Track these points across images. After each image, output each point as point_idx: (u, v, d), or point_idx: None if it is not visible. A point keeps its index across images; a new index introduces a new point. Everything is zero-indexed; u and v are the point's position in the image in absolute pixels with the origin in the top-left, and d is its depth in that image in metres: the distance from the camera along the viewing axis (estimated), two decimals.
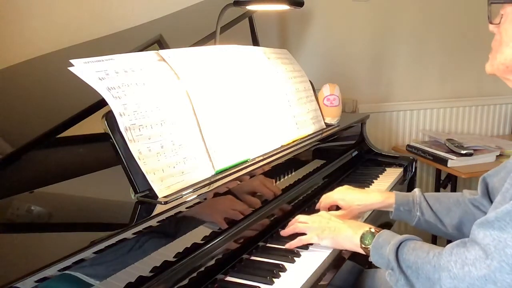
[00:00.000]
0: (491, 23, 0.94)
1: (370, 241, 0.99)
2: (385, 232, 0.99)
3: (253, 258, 1.09)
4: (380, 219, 1.40)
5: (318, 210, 1.27)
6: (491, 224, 0.79)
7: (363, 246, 1.01)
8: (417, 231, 1.22)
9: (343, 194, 1.25)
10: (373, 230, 1.01)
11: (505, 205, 0.79)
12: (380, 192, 1.28)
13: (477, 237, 0.81)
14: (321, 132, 1.58)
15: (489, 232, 0.78)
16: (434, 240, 2.59)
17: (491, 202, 1.10)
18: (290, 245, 1.12)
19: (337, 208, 1.27)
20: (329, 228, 1.10)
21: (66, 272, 0.70)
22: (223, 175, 1.07)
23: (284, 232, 1.17)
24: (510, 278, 0.74)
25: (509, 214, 0.77)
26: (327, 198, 1.27)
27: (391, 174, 1.75)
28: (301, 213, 1.34)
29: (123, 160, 0.91)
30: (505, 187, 0.93)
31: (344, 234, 1.06)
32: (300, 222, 1.15)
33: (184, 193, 0.95)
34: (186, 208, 0.94)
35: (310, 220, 1.14)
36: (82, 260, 0.72)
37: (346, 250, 1.09)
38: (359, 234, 1.02)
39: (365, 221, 1.31)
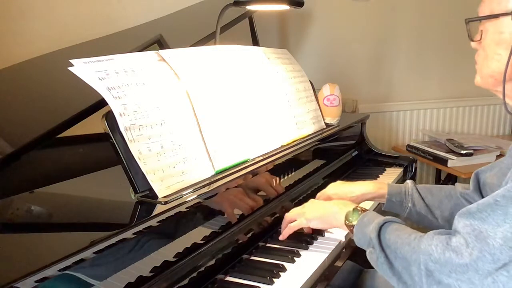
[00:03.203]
0: (472, 40, 0.98)
1: (355, 219, 1.00)
2: (370, 212, 1.00)
3: (253, 258, 1.09)
4: None
5: None
6: (473, 215, 0.80)
7: (347, 222, 1.02)
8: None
9: (336, 189, 1.26)
10: (358, 208, 1.03)
11: (487, 197, 0.81)
12: (373, 182, 1.28)
13: (457, 226, 0.82)
14: (321, 132, 1.58)
15: (469, 221, 0.80)
16: None
17: (482, 197, 1.10)
18: (283, 235, 1.14)
19: None
20: (315, 209, 1.12)
21: (66, 272, 0.70)
22: (223, 175, 1.07)
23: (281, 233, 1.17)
24: (491, 267, 0.76)
25: (491, 206, 0.78)
26: (322, 194, 1.27)
27: (391, 174, 1.75)
28: None
29: (123, 160, 0.91)
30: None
31: (330, 212, 1.08)
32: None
33: (184, 193, 0.95)
34: (186, 208, 0.94)
35: (298, 207, 1.16)
36: (82, 260, 0.72)
37: (333, 227, 1.11)
38: (344, 211, 1.04)
39: None
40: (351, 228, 1.00)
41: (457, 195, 1.17)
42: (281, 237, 1.15)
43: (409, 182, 1.22)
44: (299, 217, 1.13)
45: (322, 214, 1.09)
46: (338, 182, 1.30)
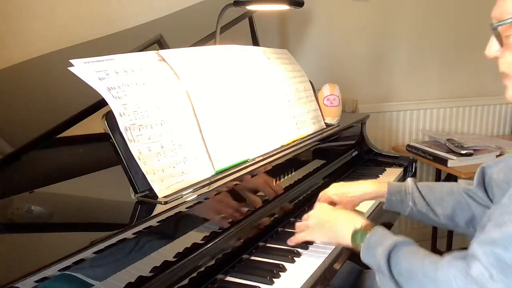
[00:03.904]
0: (502, 46, 0.85)
1: (361, 240, 0.96)
2: (378, 231, 0.94)
3: (253, 258, 1.09)
4: (381, 219, 1.40)
5: None
6: (495, 242, 0.73)
7: (354, 245, 0.98)
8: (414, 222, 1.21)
9: (337, 189, 1.23)
10: (364, 225, 0.99)
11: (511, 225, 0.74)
12: (373, 182, 1.26)
13: (477, 252, 0.75)
14: (321, 132, 1.58)
15: (491, 249, 0.73)
16: (434, 244, 2.59)
17: (486, 192, 1.09)
18: (290, 240, 1.13)
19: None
20: (322, 225, 1.08)
21: (66, 272, 0.70)
22: (223, 175, 1.07)
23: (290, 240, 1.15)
24: None
25: None
26: (323, 194, 1.25)
27: (391, 174, 1.75)
28: (301, 213, 1.34)
29: (123, 160, 0.91)
30: None
31: (337, 231, 1.05)
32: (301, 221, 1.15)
33: (184, 193, 0.95)
34: (186, 208, 0.94)
35: (309, 217, 1.13)
36: (82, 260, 0.72)
37: (342, 245, 1.07)
38: (351, 229, 1.00)
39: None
40: (358, 249, 0.96)
41: (459, 191, 1.15)
42: (289, 241, 1.13)
43: (409, 180, 1.21)
44: (308, 230, 1.11)
45: (329, 235, 1.07)
46: (340, 183, 1.28)
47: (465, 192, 1.14)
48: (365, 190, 1.22)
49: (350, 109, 2.21)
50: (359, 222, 1.01)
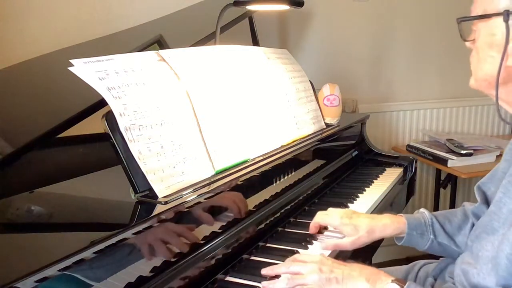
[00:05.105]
0: (465, 40, 0.92)
1: None
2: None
3: (253, 258, 1.09)
4: None
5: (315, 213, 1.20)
6: None
7: None
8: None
9: (349, 219, 1.10)
10: (395, 284, 0.85)
11: None
12: (389, 216, 1.14)
13: None
14: (321, 132, 1.58)
15: None
16: None
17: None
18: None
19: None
20: (331, 280, 0.89)
21: (66, 272, 0.70)
22: (223, 175, 1.07)
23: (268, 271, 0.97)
24: None
25: None
26: (331, 221, 1.14)
27: (391, 174, 1.74)
28: (301, 212, 1.34)
29: (123, 160, 0.91)
30: (498, 196, 0.91)
31: (356, 286, 0.88)
32: (297, 261, 0.96)
33: (184, 193, 0.95)
34: (186, 208, 0.94)
35: (308, 269, 0.92)
36: (82, 260, 0.72)
37: None
38: None
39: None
40: None
41: (471, 216, 1.10)
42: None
43: (425, 211, 1.14)
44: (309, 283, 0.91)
45: None
46: (350, 211, 1.15)
47: (473, 215, 1.10)
48: (385, 224, 1.11)
49: (350, 109, 2.21)
50: (382, 276, 0.88)
